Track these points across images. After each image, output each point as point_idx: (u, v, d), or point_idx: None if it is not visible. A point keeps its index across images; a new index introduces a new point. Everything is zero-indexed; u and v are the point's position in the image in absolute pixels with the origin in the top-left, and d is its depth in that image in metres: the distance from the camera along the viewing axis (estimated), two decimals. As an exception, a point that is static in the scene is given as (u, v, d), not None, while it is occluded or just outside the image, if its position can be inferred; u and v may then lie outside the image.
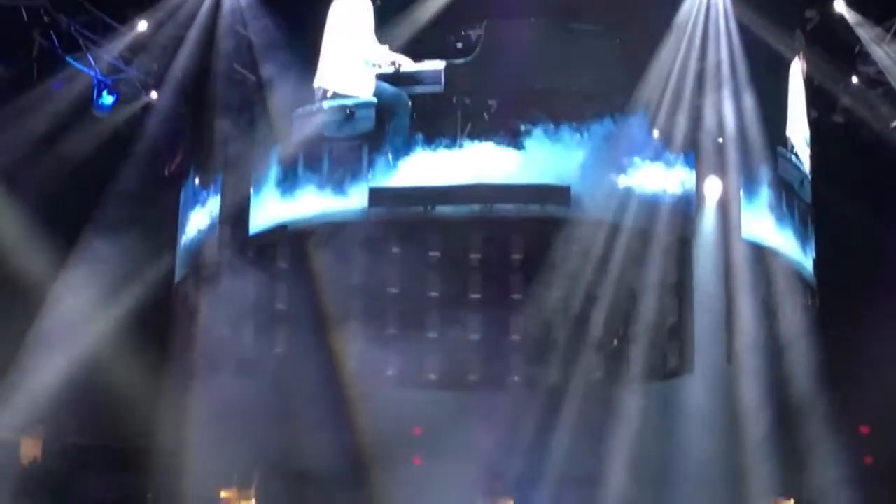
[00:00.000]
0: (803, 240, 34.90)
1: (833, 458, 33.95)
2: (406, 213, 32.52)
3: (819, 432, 34.26)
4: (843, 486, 34.83)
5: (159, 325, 33.44)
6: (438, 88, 32.51)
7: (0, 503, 31.81)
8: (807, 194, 35.41)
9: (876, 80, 35.74)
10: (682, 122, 32.89)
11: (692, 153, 33.11)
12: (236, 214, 33.29)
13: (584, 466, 34.33)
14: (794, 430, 35.05)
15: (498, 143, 32.19)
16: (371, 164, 32.38)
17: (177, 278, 35.05)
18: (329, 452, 37.42)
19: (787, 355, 33.76)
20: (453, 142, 32.36)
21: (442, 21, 32.29)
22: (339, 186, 32.62)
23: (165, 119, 34.98)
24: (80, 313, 32.62)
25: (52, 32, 33.30)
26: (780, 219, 34.21)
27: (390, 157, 32.38)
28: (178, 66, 34.47)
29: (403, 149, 32.39)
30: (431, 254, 33.05)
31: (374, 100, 32.71)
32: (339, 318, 33.24)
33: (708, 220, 33.00)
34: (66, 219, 33.32)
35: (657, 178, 32.92)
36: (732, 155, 33.27)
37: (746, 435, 33.51)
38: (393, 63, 32.56)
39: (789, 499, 38.69)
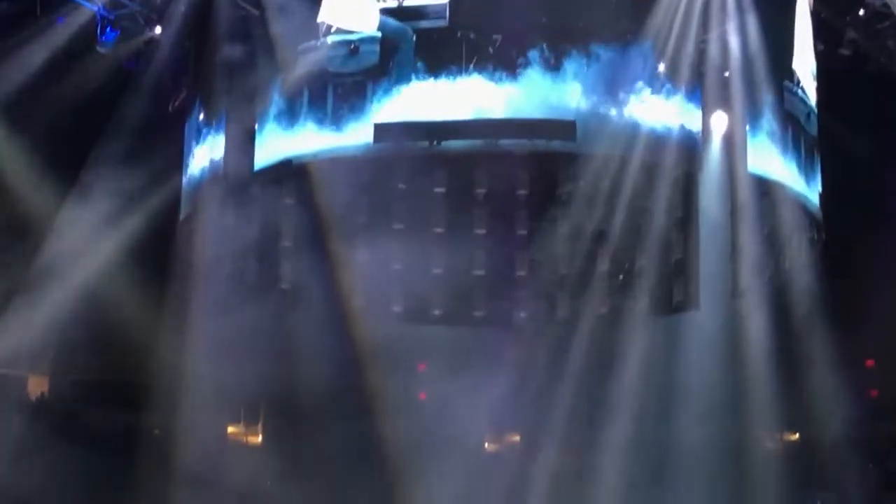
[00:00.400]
0: (809, 173, 34.78)
1: (838, 392, 34.01)
2: (411, 149, 32.37)
3: (824, 366, 34.31)
4: (849, 420, 34.98)
5: (164, 262, 33.36)
6: (443, 23, 32.26)
7: (8, 439, 31.90)
8: (813, 128, 35.23)
9: (882, 13, 35.45)
10: (687, 55, 32.71)
11: (698, 87, 32.97)
12: (241, 150, 33.12)
13: (590, 402, 34.44)
14: (798, 365, 35.11)
15: (502, 76, 32.02)
16: (375, 98, 32.23)
17: (181, 215, 34.95)
18: (334, 388, 37.53)
19: (792, 289, 33.75)
20: (457, 75, 32.18)
21: (447, -46, 32.07)
22: (343, 122, 32.47)
23: (169, 54, 34.73)
24: (83, 249, 32.56)
25: (53, -34, 33.03)
26: (785, 153, 34.08)
27: (394, 91, 32.23)
28: (181, 1, 34.20)
29: (407, 83, 32.23)
30: (437, 189, 32.96)
31: (379, 34, 32.48)
32: (344, 254, 33.19)
33: (714, 155, 32.90)
34: (69, 154, 33.19)
35: (663, 113, 32.79)
36: (738, 89, 33.10)
37: (751, 369, 33.56)
38: (397, -4, 32.36)
39: (794, 433, 38.85)
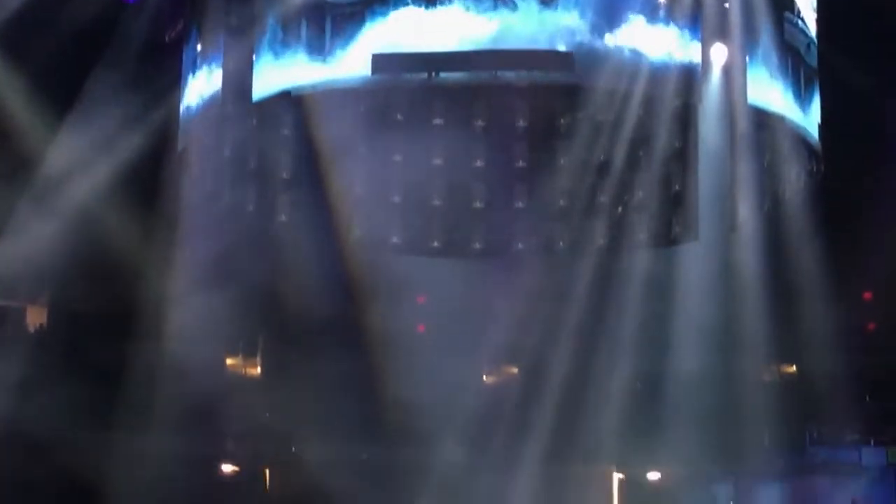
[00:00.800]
0: (808, 105, 34.67)
1: (836, 324, 34.07)
2: (409, 80, 32.24)
3: (822, 299, 34.35)
4: (846, 353, 35.06)
5: (162, 193, 33.27)
6: (441, -49, 32.08)
7: (8, 370, 31.93)
8: (813, 59, 35.08)
9: (884, -57, 35.25)
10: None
11: (697, 18, 32.78)
12: (238, 81, 32.95)
13: (588, 333, 34.48)
14: (796, 297, 35.15)
15: (499, 6, 31.84)
16: (371, 26, 32.07)
17: (179, 146, 34.82)
18: (333, 320, 37.59)
19: (790, 221, 33.71)
20: (452, 3, 32.00)
21: None
22: (340, 52, 32.33)
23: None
24: (80, 178, 32.40)
25: None
26: (785, 84, 33.96)
27: (391, 18, 32.07)
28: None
29: (404, 6, 32.07)
30: (435, 121, 32.85)
31: (376, -37, 32.30)
32: (343, 186, 33.13)
33: (713, 86, 32.76)
34: (66, 82, 32.99)
35: (662, 44, 32.63)
36: (738, 19, 32.91)
37: (749, 301, 33.59)
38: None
39: (791, 365, 38.96)
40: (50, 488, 32.29)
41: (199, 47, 34.88)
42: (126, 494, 32.73)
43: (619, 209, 33.14)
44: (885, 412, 36.59)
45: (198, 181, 33.19)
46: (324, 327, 37.24)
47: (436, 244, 32.98)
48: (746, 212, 33.21)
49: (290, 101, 32.76)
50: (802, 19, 34.79)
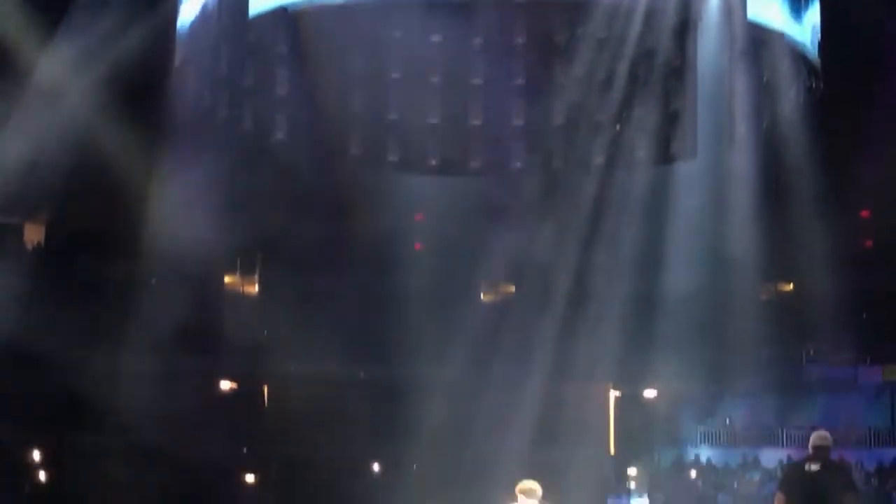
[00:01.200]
0: (808, 22, 34.42)
1: (833, 242, 34.09)
2: (408, -3, 32.00)
3: (819, 216, 34.38)
4: (843, 270, 35.13)
5: (159, 109, 33.09)
6: None
7: (6, 287, 31.93)
8: (812, -25, 34.81)
9: None
10: None
11: (697, -66, 32.48)
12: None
13: (585, 251, 34.50)
14: (794, 214, 35.16)
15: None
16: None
17: (176, 62, 34.56)
18: (331, 238, 37.65)
19: (789, 139, 33.60)
20: None
21: None
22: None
23: None
24: (75, 91, 32.16)
25: None
26: (784, 0, 33.69)
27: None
28: None
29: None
30: (433, 38, 32.61)
31: None
32: (340, 104, 32.99)
33: (713, 3, 32.50)
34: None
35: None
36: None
37: (746, 219, 33.57)
38: None
39: (788, 283, 39.10)
40: (45, 405, 32.45)
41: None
42: (123, 411, 32.89)
43: (618, 126, 32.99)
44: (882, 330, 36.70)
45: (195, 97, 32.99)
46: (321, 245, 37.33)
47: (433, 162, 32.81)
48: (745, 129, 33.08)
49: (287, 17, 32.48)
50: (801, -66, 34.49)
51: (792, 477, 15.21)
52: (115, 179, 32.27)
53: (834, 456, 15.05)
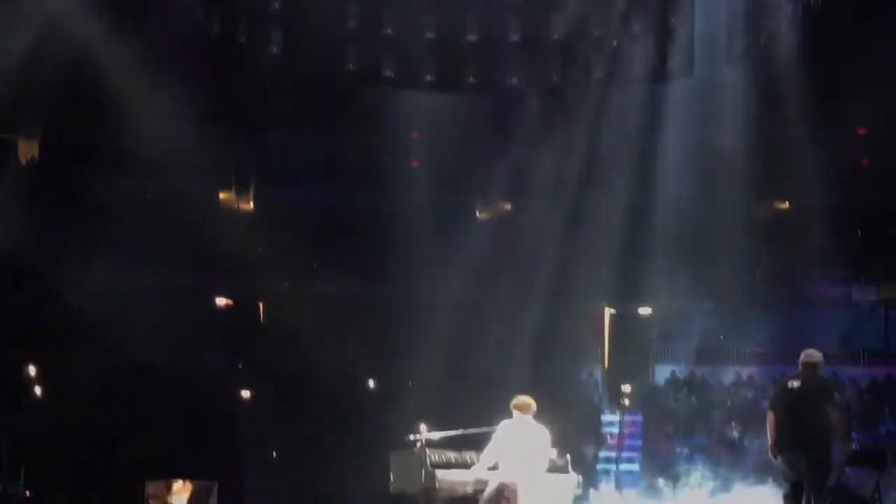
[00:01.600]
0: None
1: (829, 159, 34.01)
2: None
3: (816, 134, 34.30)
4: (840, 187, 35.11)
5: (152, 24, 32.87)
6: None
7: (0, 203, 31.89)
8: None
9: None
10: None
11: None
12: None
13: (582, 167, 34.44)
14: (791, 132, 35.07)
15: None
16: None
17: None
18: (326, 154, 37.60)
19: (786, 55, 33.40)
20: None
21: None
22: None
23: None
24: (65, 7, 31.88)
25: None
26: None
27: None
28: None
29: None
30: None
31: None
32: (335, 19, 32.81)
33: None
34: None
35: None
36: None
37: (743, 136, 33.48)
38: None
39: (784, 202, 39.04)
40: (40, 321, 32.50)
41: None
42: (118, 328, 32.98)
43: (615, 43, 32.81)
44: (877, 248, 36.69)
45: (188, 11, 32.76)
46: (317, 161, 37.29)
47: (429, 78, 32.67)
48: (743, 46, 32.91)
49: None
50: None
51: (777, 394, 15.43)
52: (110, 94, 32.06)
53: (826, 373, 15.17)
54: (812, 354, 15.19)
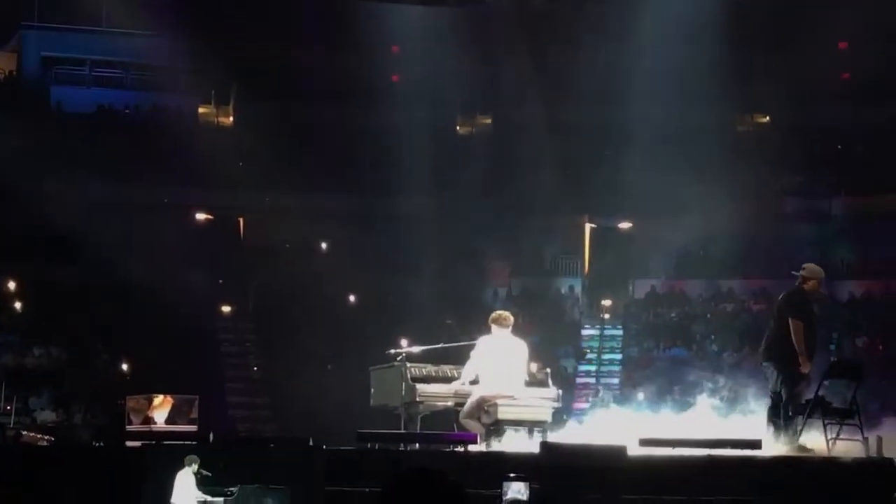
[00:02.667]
0: None
1: (810, 74, 33.93)
2: None
3: (797, 48, 34.21)
4: (820, 102, 35.08)
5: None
6: None
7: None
8: None
9: None
10: None
11: None
12: None
13: (560, 85, 34.31)
14: (772, 47, 34.99)
15: None
16: None
17: None
18: (310, 67, 37.33)
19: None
20: None
21: None
22: None
23: None
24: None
25: None
26: None
27: None
28: None
29: None
30: None
31: None
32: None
33: None
34: None
35: None
36: None
37: (723, 50, 33.30)
38: None
39: (765, 116, 39.01)
40: (21, 238, 32.44)
41: None
42: (99, 244, 32.95)
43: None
44: (857, 163, 36.71)
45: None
46: (297, 75, 37.02)
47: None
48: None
49: None
50: None
51: None
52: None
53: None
54: (802, 268, 15.48)
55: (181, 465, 13.63)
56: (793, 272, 15.62)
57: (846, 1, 32.64)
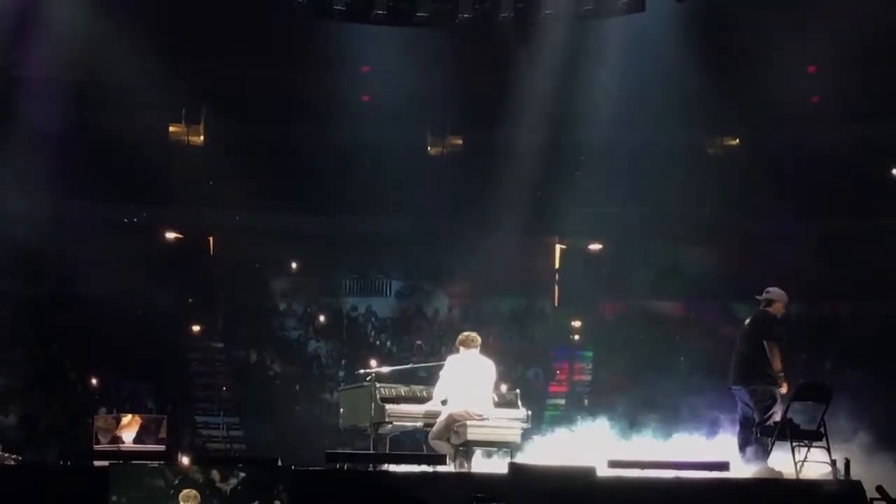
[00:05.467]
0: None
1: (780, 96, 34.09)
2: None
3: (767, 70, 34.38)
4: (790, 124, 35.25)
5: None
6: None
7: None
8: None
9: None
10: None
11: None
12: None
13: (531, 104, 34.35)
14: (742, 69, 35.15)
15: None
16: None
17: None
18: (279, 89, 37.32)
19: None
20: None
21: None
22: None
23: None
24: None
25: None
26: None
27: None
28: None
29: None
30: None
31: None
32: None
33: None
34: None
35: None
36: None
37: (695, 73, 33.44)
38: None
39: (735, 138, 39.21)
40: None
41: None
42: (67, 261, 32.88)
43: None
44: (824, 184, 36.77)
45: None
46: (267, 94, 37.01)
47: (380, 11, 32.23)
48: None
49: None
50: None
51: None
52: (66, 24, 31.59)
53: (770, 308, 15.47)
54: (766, 292, 15.66)
55: (149, 484, 13.45)
56: (756, 296, 15.81)
57: (815, 25, 32.76)
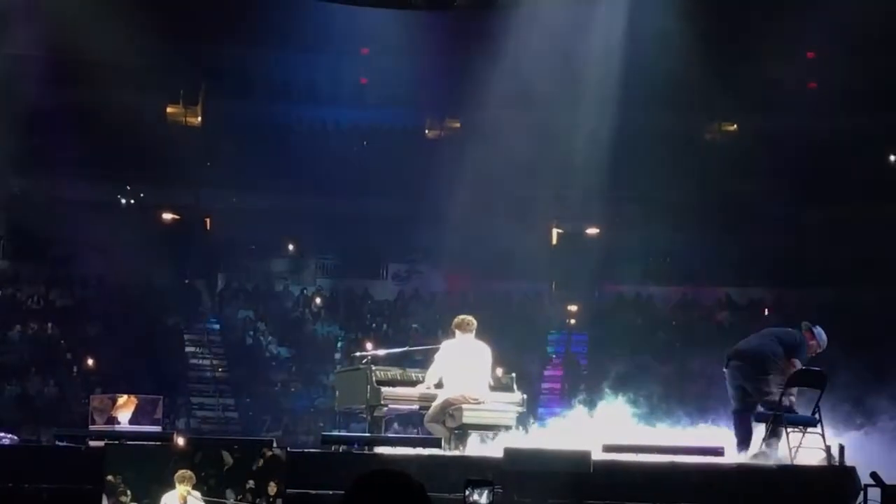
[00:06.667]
0: None
1: (777, 83, 34.07)
2: None
3: (764, 57, 34.37)
4: (788, 110, 35.24)
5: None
6: None
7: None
8: None
9: None
10: None
11: None
12: None
13: (527, 86, 34.30)
14: (741, 54, 35.12)
15: None
16: None
17: None
18: (279, 73, 37.28)
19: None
20: None
21: None
22: None
23: None
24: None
25: None
26: None
27: None
28: None
29: None
30: None
31: None
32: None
33: None
34: None
35: None
36: None
37: (691, 58, 33.40)
38: None
39: (732, 124, 39.20)
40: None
41: None
42: (64, 241, 32.88)
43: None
44: (824, 172, 36.79)
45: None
46: (267, 76, 37.04)
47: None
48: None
49: None
50: None
51: None
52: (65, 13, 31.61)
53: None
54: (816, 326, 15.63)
55: (142, 465, 13.47)
56: (804, 322, 15.66)
57: (814, 11, 32.72)
